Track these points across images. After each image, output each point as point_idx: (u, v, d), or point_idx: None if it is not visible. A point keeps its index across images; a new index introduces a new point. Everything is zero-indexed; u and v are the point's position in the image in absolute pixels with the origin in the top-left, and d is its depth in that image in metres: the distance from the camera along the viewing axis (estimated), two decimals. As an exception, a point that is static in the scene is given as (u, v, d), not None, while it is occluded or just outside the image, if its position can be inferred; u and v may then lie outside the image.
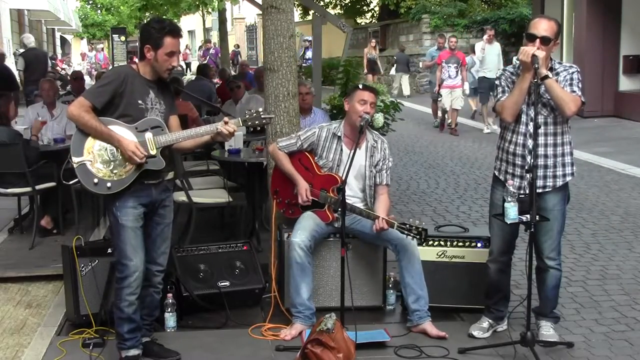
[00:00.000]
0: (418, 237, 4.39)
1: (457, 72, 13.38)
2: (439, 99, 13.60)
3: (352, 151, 4.46)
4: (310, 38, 21.01)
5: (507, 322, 4.56)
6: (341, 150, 4.73)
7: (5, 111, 6.87)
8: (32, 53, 13.88)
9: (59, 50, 35.41)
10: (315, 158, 4.76)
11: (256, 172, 6.23)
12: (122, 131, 3.84)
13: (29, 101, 11.87)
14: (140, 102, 3.89)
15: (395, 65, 21.03)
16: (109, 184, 3.84)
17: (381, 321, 4.76)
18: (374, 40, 22.26)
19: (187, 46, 38.82)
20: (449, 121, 13.67)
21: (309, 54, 22.61)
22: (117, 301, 3.99)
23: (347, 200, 4.39)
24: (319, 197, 4.66)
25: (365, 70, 20.07)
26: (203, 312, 4.77)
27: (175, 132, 4.01)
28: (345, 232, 4.31)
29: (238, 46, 34.10)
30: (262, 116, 4.12)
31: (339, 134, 4.75)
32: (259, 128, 4.19)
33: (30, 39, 14.57)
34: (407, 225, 4.41)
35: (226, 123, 3.97)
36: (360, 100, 4.65)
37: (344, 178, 4.36)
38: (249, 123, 4.10)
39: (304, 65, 21.47)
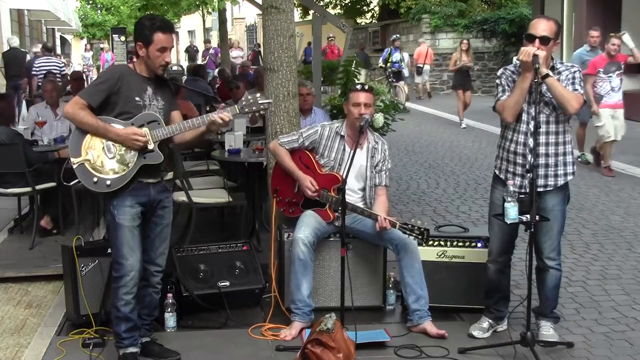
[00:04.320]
0: (420, 237, 4.39)
1: (620, 81, 9.56)
2: (598, 125, 9.42)
3: (352, 151, 4.47)
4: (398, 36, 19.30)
5: (507, 322, 4.55)
6: (343, 149, 4.73)
7: (7, 110, 6.85)
8: (12, 53, 14.51)
9: (59, 51, 35.36)
10: (317, 156, 4.76)
11: (256, 172, 6.22)
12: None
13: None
14: (137, 98, 3.89)
15: None
16: (108, 182, 3.84)
17: (381, 321, 4.76)
18: (466, 42, 14.99)
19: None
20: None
21: (396, 56, 17.69)
22: (114, 300, 4.00)
23: (347, 200, 4.39)
24: (320, 197, 4.66)
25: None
26: (203, 312, 4.77)
27: (171, 125, 3.98)
28: (345, 231, 4.31)
29: (259, 45, 32.68)
30: (260, 101, 4.03)
31: (342, 132, 4.75)
32: (257, 114, 4.12)
33: (13, 40, 15.24)
34: (409, 226, 4.41)
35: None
36: (354, 104, 4.66)
37: (344, 177, 4.36)
38: (246, 109, 4.03)
39: (391, 69, 17.46)
